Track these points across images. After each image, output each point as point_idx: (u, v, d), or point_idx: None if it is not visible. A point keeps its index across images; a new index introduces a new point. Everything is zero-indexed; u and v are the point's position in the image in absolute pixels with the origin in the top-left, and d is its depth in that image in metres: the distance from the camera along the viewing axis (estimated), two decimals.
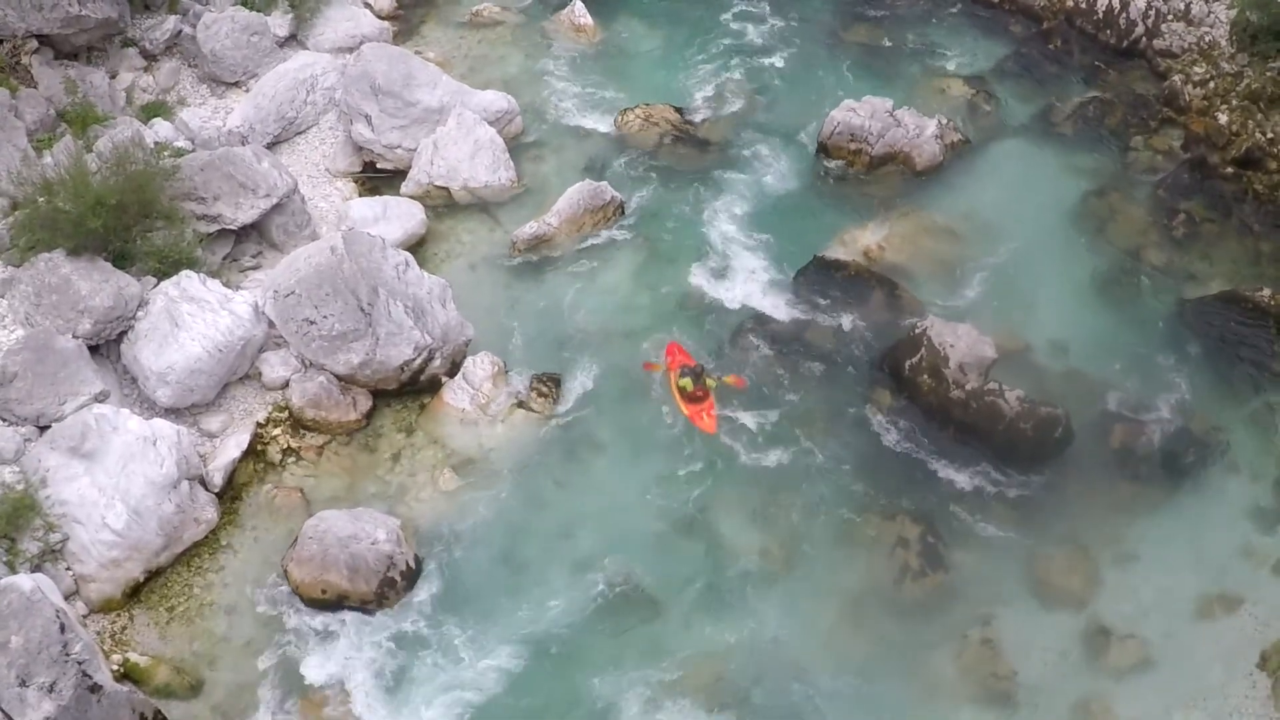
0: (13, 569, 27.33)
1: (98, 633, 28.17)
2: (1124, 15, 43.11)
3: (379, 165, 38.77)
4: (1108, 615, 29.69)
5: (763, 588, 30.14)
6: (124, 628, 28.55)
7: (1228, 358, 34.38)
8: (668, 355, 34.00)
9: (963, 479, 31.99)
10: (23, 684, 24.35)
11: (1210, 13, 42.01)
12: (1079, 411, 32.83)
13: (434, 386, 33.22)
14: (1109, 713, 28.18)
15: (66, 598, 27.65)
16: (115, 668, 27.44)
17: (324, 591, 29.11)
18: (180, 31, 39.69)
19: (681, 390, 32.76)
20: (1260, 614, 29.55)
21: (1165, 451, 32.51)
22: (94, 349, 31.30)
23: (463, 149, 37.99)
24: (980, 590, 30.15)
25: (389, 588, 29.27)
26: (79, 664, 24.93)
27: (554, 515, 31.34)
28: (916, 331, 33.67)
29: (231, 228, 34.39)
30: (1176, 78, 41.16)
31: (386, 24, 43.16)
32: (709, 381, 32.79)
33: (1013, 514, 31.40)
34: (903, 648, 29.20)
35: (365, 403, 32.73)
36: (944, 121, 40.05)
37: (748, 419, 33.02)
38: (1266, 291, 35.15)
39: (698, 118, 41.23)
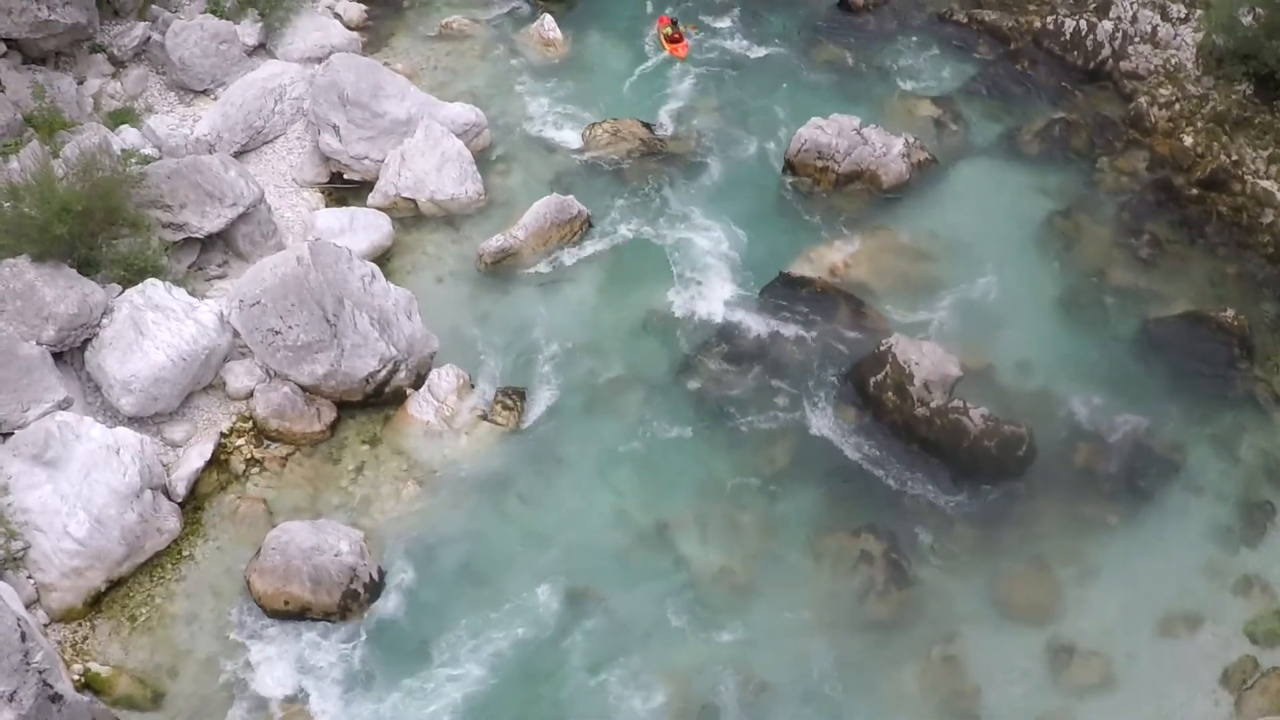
0: None
1: (59, 642, 28.03)
2: (1091, 37, 43.36)
3: (346, 176, 38.66)
4: (1071, 633, 29.83)
5: (725, 603, 30.17)
6: (85, 637, 28.41)
7: (1191, 378, 34.56)
8: (660, 22, 45.96)
9: (926, 496, 32.09)
10: None
11: (1177, 36, 42.34)
12: (1043, 430, 33.00)
13: (398, 398, 33.15)
14: None
15: (27, 606, 27.47)
16: (76, 677, 27.30)
17: (286, 603, 29.00)
18: (149, 38, 39.56)
19: (666, 37, 45.13)
20: (1222, 632, 29.78)
21: (1128, 470, 32.68)
22: (58, 356, 31.12)
23: (430, 161, 37.95)
24: (943, 607, 30.25)
25: (351, 600, 29.18)
26: (40, 673, 24.70)
27: (517, 528, 31.34)
28: (882, 349, 33.76)
29: (198, 236, 34.32)
30: (1142, 100, 41.47)
31: (356, 35, 43.12)
32: (681, 29, 45.39)
33: (976, 531, 31.52)
34: (866, 664, 29.27)
35: (329, 414, 32.65)
36: (911, 140, 40.15)
37: (709, 425, 33.20)
38: (1229, 312, 35.41)
39: (666, 133, 41.33)
